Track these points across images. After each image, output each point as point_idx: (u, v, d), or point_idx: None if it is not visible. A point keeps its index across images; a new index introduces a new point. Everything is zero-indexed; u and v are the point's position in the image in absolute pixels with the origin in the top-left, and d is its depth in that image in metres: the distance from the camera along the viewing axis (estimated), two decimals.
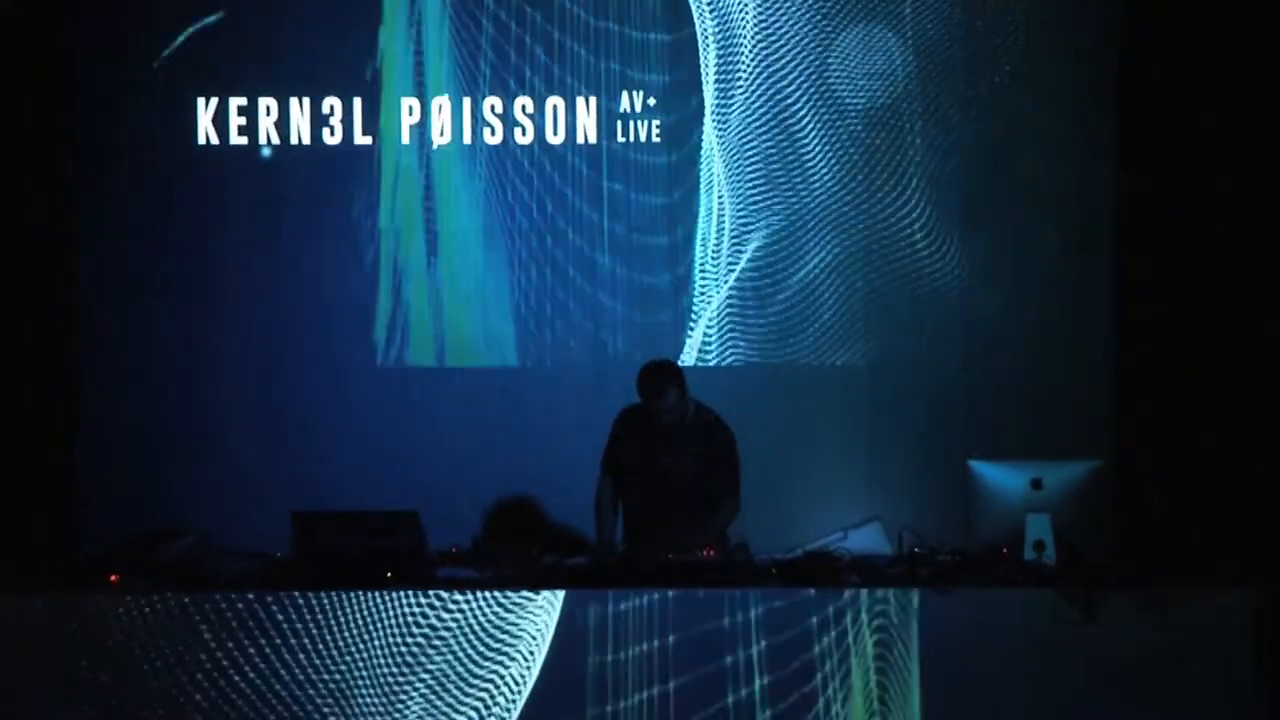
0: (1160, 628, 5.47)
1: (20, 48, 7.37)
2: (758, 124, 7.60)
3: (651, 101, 7.62)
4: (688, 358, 7.57)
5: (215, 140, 7.62)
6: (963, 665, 5.51)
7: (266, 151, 7.63)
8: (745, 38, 7.59)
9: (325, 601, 5.56)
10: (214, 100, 7.61)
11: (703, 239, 7.63)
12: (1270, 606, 5.51)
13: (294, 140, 7.63)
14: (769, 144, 7.61)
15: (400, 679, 5.57)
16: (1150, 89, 7.34)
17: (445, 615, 5.58)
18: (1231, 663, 5.47)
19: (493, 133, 7.63)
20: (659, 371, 6.36)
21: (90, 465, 7.56)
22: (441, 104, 7.63)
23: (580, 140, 7.62)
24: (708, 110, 7.60)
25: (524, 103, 7.62)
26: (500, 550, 6.02)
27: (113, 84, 7.55)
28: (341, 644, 5.56)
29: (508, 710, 5.57)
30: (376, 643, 5.57)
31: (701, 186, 7.62)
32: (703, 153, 7.62)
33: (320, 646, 5.55)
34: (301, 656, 5.55)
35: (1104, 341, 7.54)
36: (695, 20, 7.59)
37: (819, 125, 7.60)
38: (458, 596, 5.58)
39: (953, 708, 5.52)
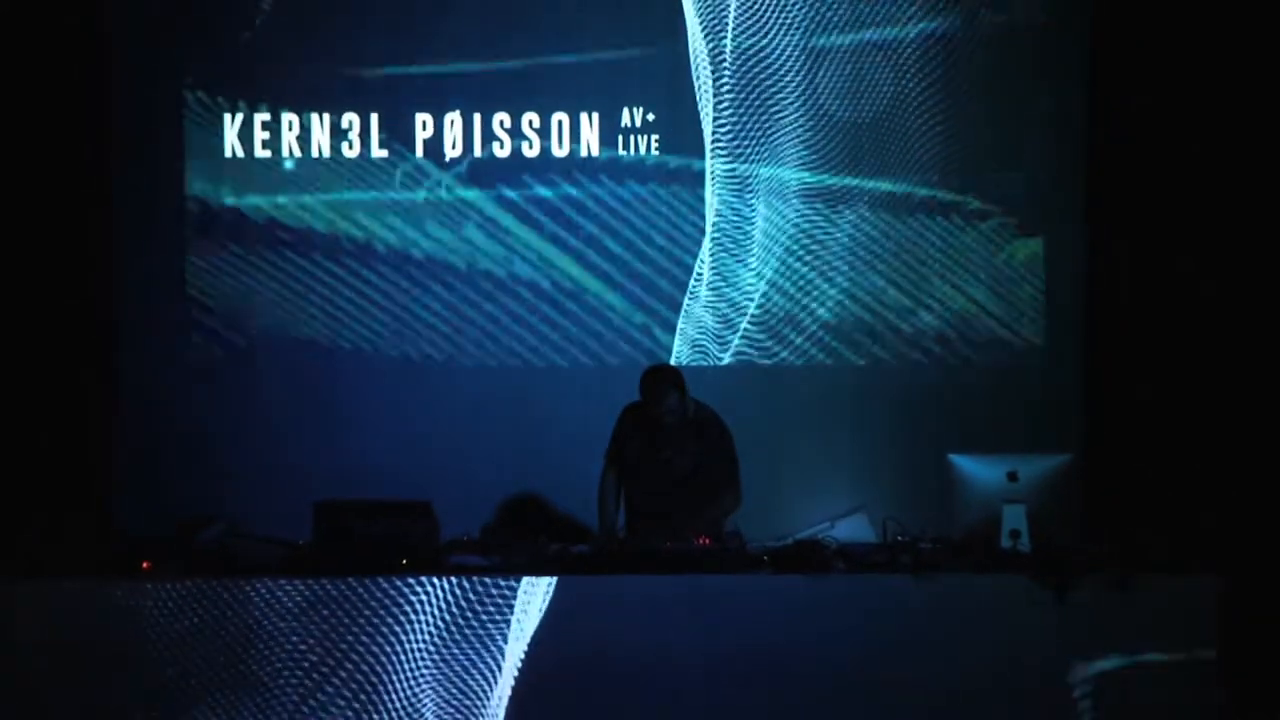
0: (1127, 610, 5.50)
1: (59, 70, 7.40)
2: (751, 137, 7.62)
3: (651, 117, 7.64)
4: (685, 358, 7.60)
5: (240, 153, 7.65)
6: (943, 646, 5.56)
7: (289, 164, 7.66)
8: (740, 56, 7.61)
9: (344, 586, 5.59)
10: (239, 115, 7.64)
11: (699, 246, 7.65)
12: (1230, 590, 5.55)
13: (314, 153, 7.65)
14: (761, 156, 7.63)
15: (413, 659, 5.60)
16: (1117, 98, 7.36)
17: (457, 599, 5.60)
18: (1194, 643, 5.50)
19: (501, 146, 7.66)
20: (661, 376, 6.39)
21: (127, 458, 7.57)
22: (453, 119, 7.65)
23: (584, 153, 7.65)
24: (703, 124, 7.63)
25: (531, 118, 7.65)
26: (508, 539, 6.06)
27: (147, 101, 7.58)
28: (359, 626, 5.59)
29: (514, 688, 5.60)
30: (391, 625, 5.59)
31: (698, 196, 7.65)
32: (699, 165, 7.64)
33: (339, 628, 5.58)
34: (321, 638, 5.58)
35: (1075, 345, 7.56)
36: (692, 39, 7.62)
37: (808, 138, 7.62)
38: (468, 581, 5.62)
39: (935, 686, 5.56)
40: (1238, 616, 5.61)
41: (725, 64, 7.61)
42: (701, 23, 7.59)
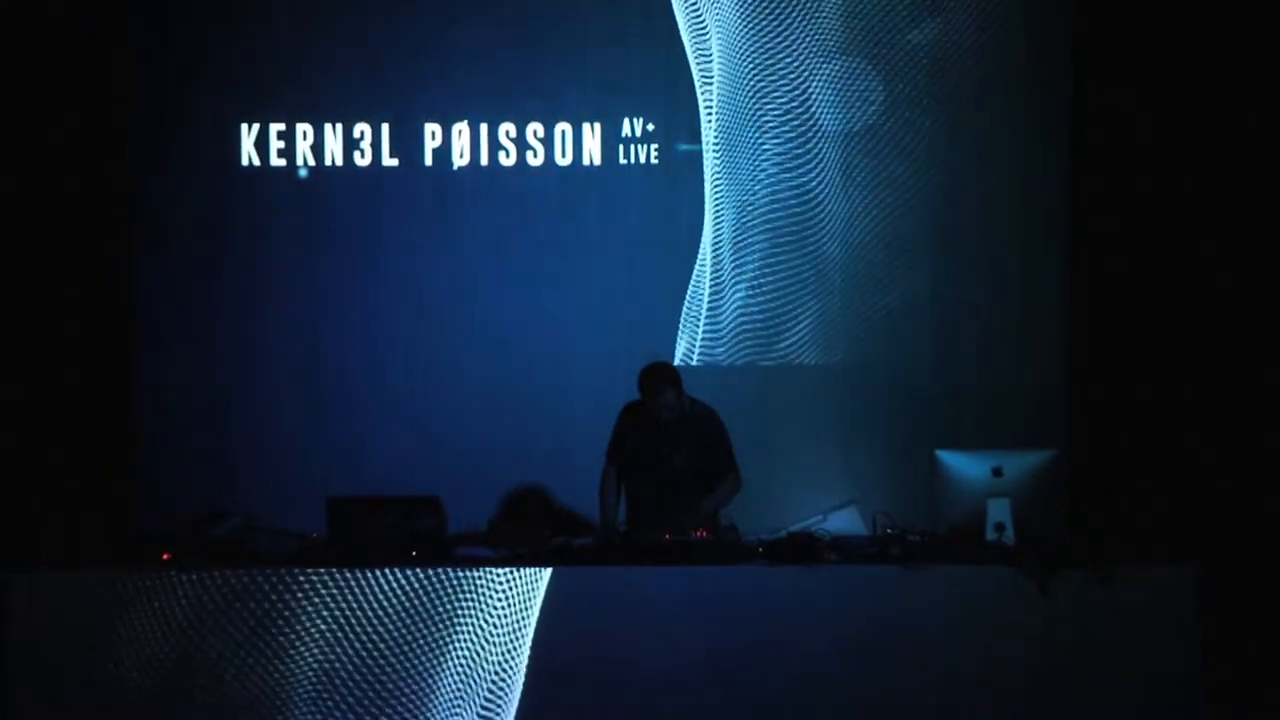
0: (1108, 599, 5.52)
1: (81, 83, 7.41)
2: (747, 147, 7.64)
3: (651, 127, 7.66)
4: (684, 358, 7.61)
5: (257, 162, 7.67)
6: (932, 635, 5.57)
7: (303, 172, 7.67)
8: (737, 68, 7.63)
9: (357, 577, 5.62)
10: (255, 126, 7.66)
11: (697, 251, 7.66)
12: (1207, 579, 5.56)
13: (328, 162, 7.67)
14: (757, 164, 7.64)
15: (423, 648, 5.61)
16: (1102, 99, 7.37)
17: (464, 590, 5.62)
18: (1173, 630, 5.51)
19: (507, 155, 7.67)
20: (657, 373, 6.40)
21: (148, 455, 7.58)
22: (461, 129, 7.67)
23: (586, 162, 7.66)
24: (702, 134, 7.64)
25: (535, 128, 7.66)
26: (514, 531, 6.08)
27: (166, 112, 7.59)
28: (371, 615, 5.61)
29: (520, 676, 5.62)
30: (402, 614, 5.61)
31: (696, 203, 7.66)
32: (697, 171, 7.66)
33: (352, 618, 5.60)
34: (335, 627, 5.59)
35: (1058, 344, 7.57)
36: (691, 52, 7.63)
37: (803, 148, 7.63)
38: (476, 573, 5.64)
39: (921, 673, 5.58)
40: (1218, 608, 5.63)
41: (722, 72, 7.62)
42: (699, 32, 7.60)
